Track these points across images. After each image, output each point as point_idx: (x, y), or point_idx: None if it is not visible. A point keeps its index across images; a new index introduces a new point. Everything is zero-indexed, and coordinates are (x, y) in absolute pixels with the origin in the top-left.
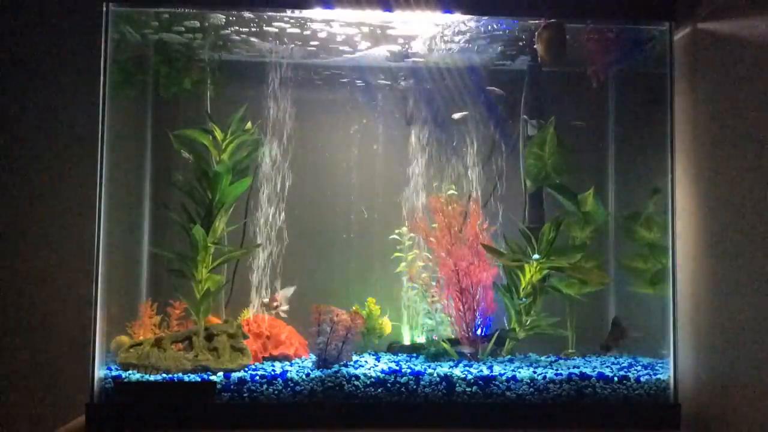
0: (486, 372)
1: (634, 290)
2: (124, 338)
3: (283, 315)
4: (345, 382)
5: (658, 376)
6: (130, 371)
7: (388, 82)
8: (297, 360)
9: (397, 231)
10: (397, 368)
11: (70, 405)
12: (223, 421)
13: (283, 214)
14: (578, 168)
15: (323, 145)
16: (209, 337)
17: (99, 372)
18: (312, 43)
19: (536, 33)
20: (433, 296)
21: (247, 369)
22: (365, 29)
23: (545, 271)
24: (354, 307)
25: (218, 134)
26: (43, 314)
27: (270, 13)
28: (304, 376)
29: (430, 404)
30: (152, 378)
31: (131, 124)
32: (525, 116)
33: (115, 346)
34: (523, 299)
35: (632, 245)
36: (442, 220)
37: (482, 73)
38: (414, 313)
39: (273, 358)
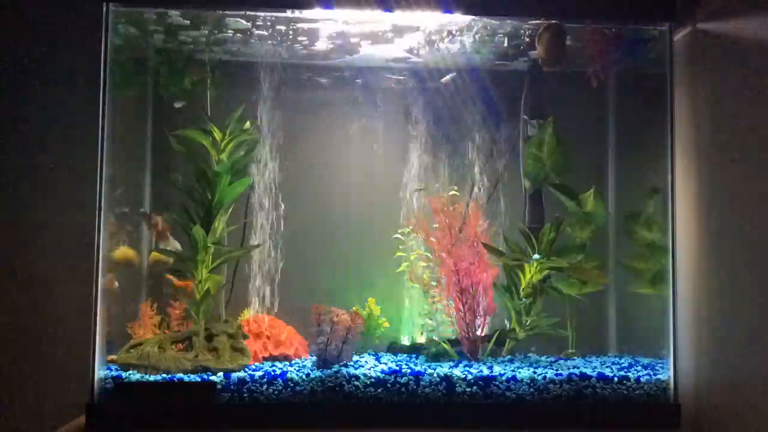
0: (486, 372)
1: (635, 290)
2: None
3: None
4: (345, 383)
5: (658, 376)
6: (130, 371)
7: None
8: (297, 360)
9: (399, 230)
10: (397, 368)
11: (70, 405)
12: (223, 421)
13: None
14: (578, 168)
15: (323, 145)
16: (209, 337)
17: (99, 372)
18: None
19: (537, 33)
20: (433, 297)
21: (247, 369)
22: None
23: (545, 271)
24: (354, 308)
25: (217, 134)
26: (42, 314)
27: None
28: (304, 377)
29: (431, 404)
30: (152, 378)
31: (131, 123)
32: (525, 116)
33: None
34: (523, 299)
35: (632, 245)
36: (443, 220)
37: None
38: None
39: (273, 358)
